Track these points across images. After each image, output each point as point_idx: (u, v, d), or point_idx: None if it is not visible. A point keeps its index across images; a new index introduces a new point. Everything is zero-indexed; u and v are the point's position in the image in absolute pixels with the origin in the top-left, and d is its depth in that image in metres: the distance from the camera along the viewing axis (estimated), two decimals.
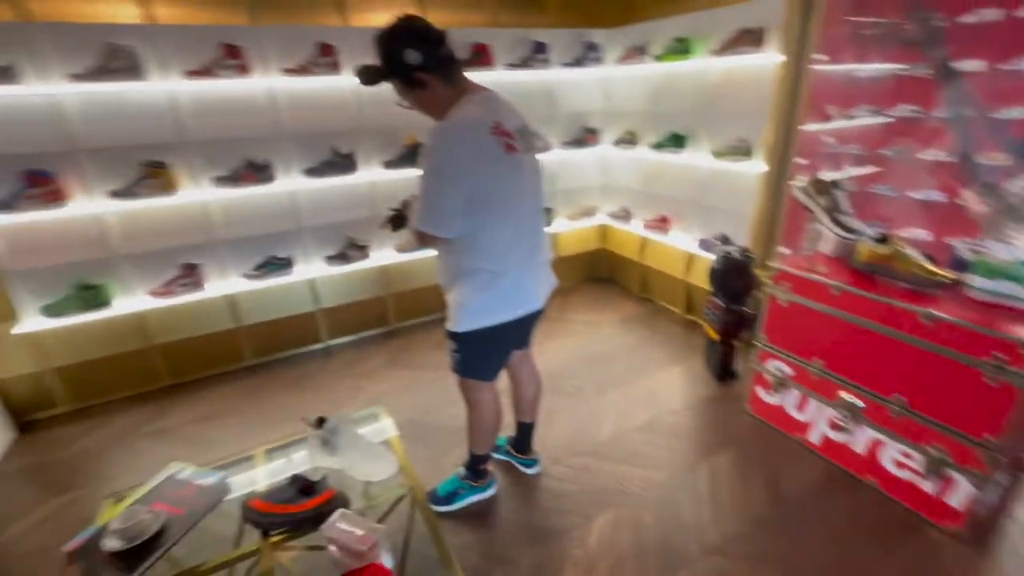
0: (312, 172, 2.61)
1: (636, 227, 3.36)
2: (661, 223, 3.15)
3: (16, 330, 2.23)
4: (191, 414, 2.45)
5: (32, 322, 2.26)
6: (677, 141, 2.90)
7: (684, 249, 3.01)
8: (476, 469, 1.80)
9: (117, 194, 2.24)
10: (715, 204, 2.84)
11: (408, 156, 2.79)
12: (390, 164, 2.77)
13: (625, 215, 3.44)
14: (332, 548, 1.11)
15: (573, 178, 3.54)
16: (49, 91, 2.08)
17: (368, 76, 1.34)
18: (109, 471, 2.10)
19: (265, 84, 2.43)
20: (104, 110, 2.21)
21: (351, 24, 2.59)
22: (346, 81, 2.58)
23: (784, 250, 2.61)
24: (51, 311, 2.27)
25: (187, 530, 1.22)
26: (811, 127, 2.29)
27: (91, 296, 2.32)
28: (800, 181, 2.04)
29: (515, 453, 1.98)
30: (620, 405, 2.38)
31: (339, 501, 1.27)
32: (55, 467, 2.14)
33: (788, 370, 2.06)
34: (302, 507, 1.24)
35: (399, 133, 2.81)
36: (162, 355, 2.62)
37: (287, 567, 1.29)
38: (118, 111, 2.23)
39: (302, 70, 2.44)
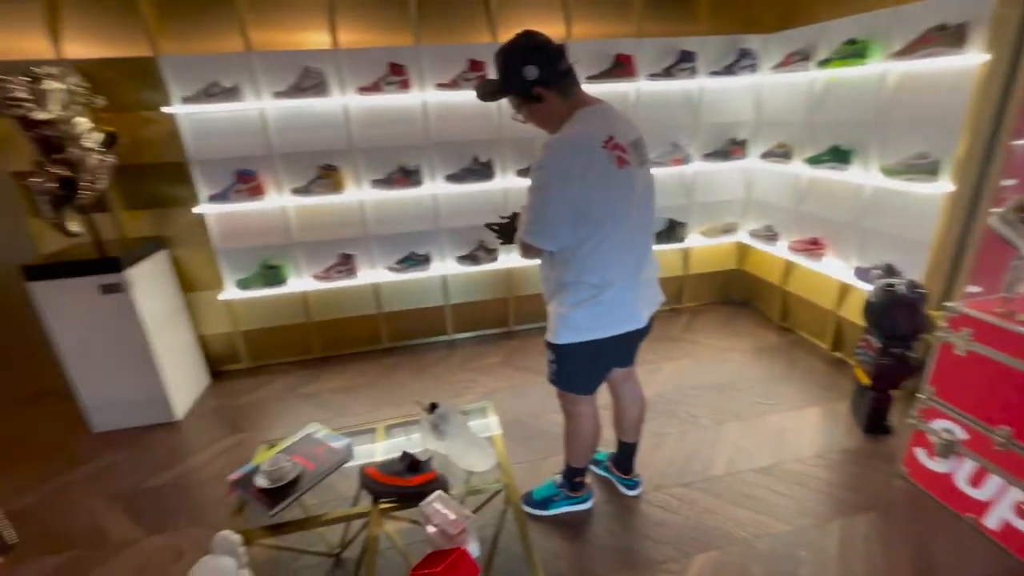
0: (453, 178, 2.83)
1: (781, 249, 3.05)
2: (812, 246, 2.81)
3: (220, 297, 2.78)
4: (334, 383, 2.82)
5: (229, 292, 2.80)
6: (840, 155, 2.57)
7: (837, 277, 2.65)
8: (572, 480, 1.79)
9: (297, 191, 2.68)
10: (880, 228, 2.46)
11: None
12: (524, 173, 2.89)
13: (769, 235, 3.14)
14: (427, 525, 1.21)
15: (712, 192, 3.33)
16: (259, 106, 2.55)
17: (486, 91, 1.40)
18: (268, 421, 2.51)
19: (420, 98, 2.69)
20: (295, 122, 2.65)
21: (500, 40, 2.75)
22: None
23: (972, 289, 2.17)
24: (243, 284, 2.78)
25: (316, 482, 1.41)
26: None
27: (272, 275, 2.79)
28: (1004, 208, 1.68)
29: (616, 471, 1.93)
30: (739, 441, 2.18)
31: (440, 483, 1.36)
32: (233, 411, 2.61)
33: (961, 433, 1.71)
34: (408, 482, 1.37)
35: (535, 143, 2.91)
36: (317, 330, 3.05)
37: (391, 534, 1.42)
38: (305, 122, 2.66)
39: (452, 84, 2.66)
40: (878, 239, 2.48)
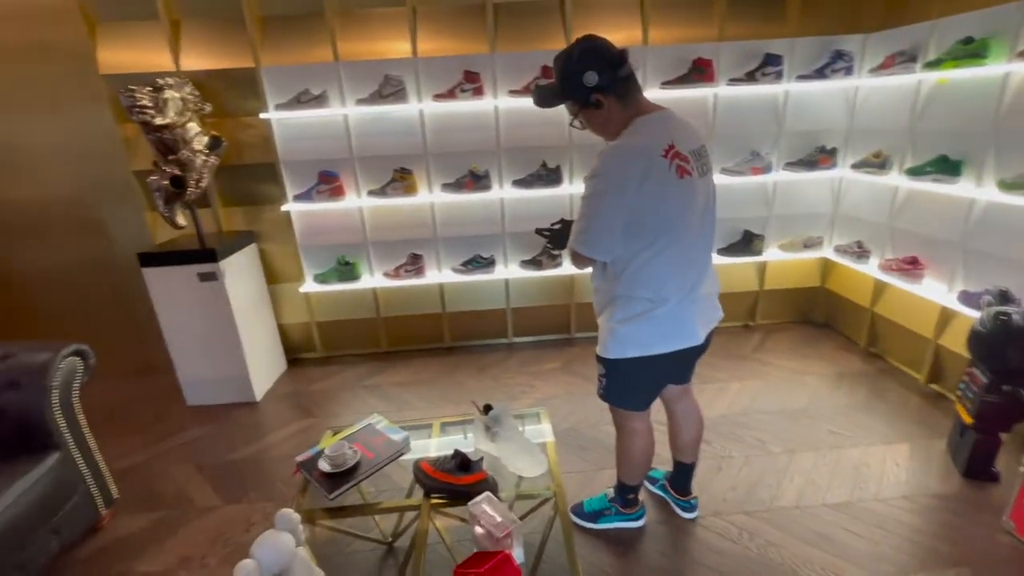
0: (521, 183, 2.86)
1: (872, 267, 2.79)
2: (909, 266, 2.55)
3: (301, 289, 2.99)
4: (397, 377, 2.93)
5: (308, 285, 3.00)
6: (947, 166, 2.32)
7: (938, 302, 2.39)
8: (625, 497, 1.74)
9: (373, 193, 2.82)
10: (992, 249, 2.18)
11: None
12: None
13: (859, 251, 2.89)
14: (475, 526, 1.23)
15: (795, 204, 3.12)
16: (343, 112, 2.72)
17: (543, 97, 1.38)
18: (336, 408, 2.65)
19: (492, 104, 2.75)
20: (374, 127, 2.80)
21: None
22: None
23: None
24: (320, 278, 2.97)
25: (373, 471, 1.47)
26: None
27: (347, 271, 2.96)
28: None
29: (672, 491, 1.86)
30: (812, 473, 2.02)
31: (489, 484, 1.38)
32: (304, 397, 2.79)
33: None
34: (458, 480, 1.39)
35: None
36: (385, 326, 3.19)
37: (440, 529, 1.45)
38: (383, 127, 2.80)
39: (525, 90, 2.69)
40: (989, 261, 2.21)
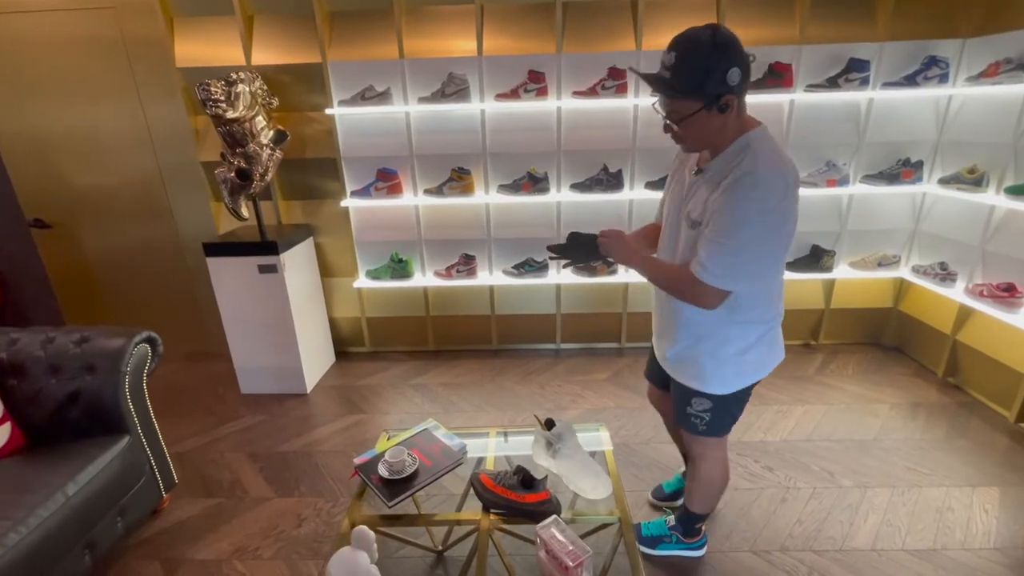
0: (579, 187, 2.79)
1: (957, 292, 2.58)
2: (1005, 293, 2.34)
3: (354, 284, 3.01)
4: (443, 378, 2.91)
5: (361, 281, 3.01)
6: None
7: None
8: (691, 527, 1.65)
9: (430, 192, 2.80)
10: None
11: None
12: (653, 185, 2.76)
13: (943, 274, 2.67)
14: (541, 551, 1.17)
15: (871, 219, 2.92)
16: (405, 109, 2.71)
17: (666, 88, 1.15)
18: (384, 406, 2.66)
19: (555, 105, 2.68)
20: (434, 125, 2.78)
21: (644, 49, 2.64)
22: (628, 102, 2.67)
23: None
24: (372, 274, 2.99)
25: (431, 480, 1.44)
26: None
27: (400, 268, 2.96)
28: None
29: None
30: (888, 512, 1.87)
31: (553, 506, 1.32)
32: (352, 391, 2.81)
33: None
34: (521, 498, 1.34)
35: (669, 155, 2.76)
36: (433, 325, 3.18)
37: (497, 544, 1.41)
38: (444, 126, 2.78)
39: (590, 92, 2.61)
40: None
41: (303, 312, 2.75)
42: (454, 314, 3.16)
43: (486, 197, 2.83)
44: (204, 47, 2.67)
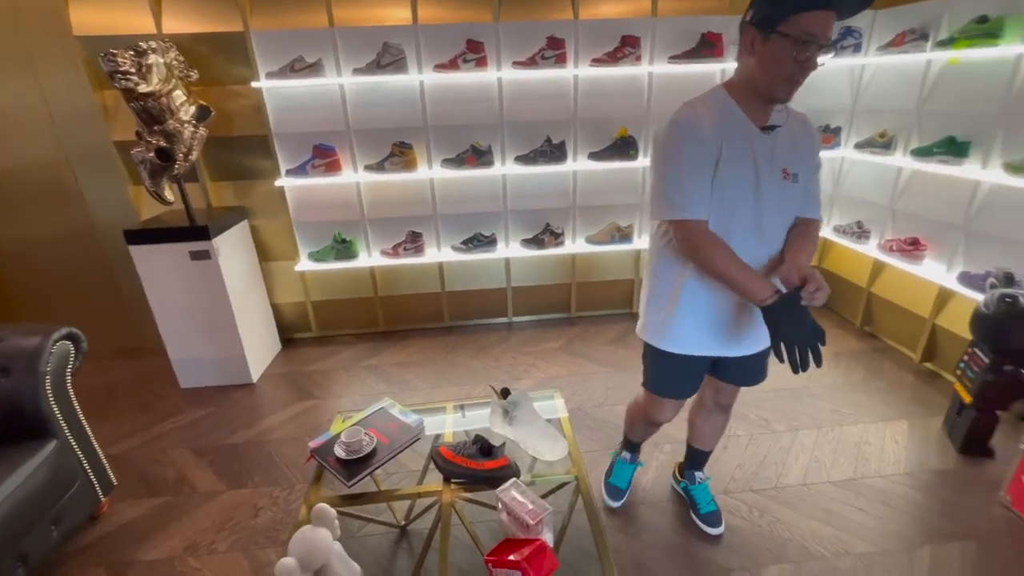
0: (523, 159, 2.79)
1: (871, 248, 2.82)
2: (910, 247, 2.58)
3: (296, 268, 2.89)
4: (396, 358, 2.89)
5: (303, 264, 2.90)
6: (955, 148, 2.32)
7: (937, 282, 2.42)
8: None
9: (371, 168, 2.71)
10: (996, 231, 2.21)
11: (617, 149, 2.78)
12: (596, 155, 2.80)
13: (859, 232, 2.91)
14: (502, 511, 1.21)
15: None
16: (339, 82, 2.58)
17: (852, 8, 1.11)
18: (336, 390, 2.60)
19: (495, 76, 2.64)
20: (372, 98, 2.67)
21: (581, 17, 2.64)
22: (568, 73, 2.67)
23: None
24: (315, 257, 2.88)
25: (389, 457, 1.43)
26: None
27: (344, 249, 2.87)
28: None
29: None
30: (815, 451, 2.06)
31: (512, 470, 1.36)
32: (302, 377, 2.73)
33: None
34: (480, 465, 1.37)
35: (611, 125, 2.81)
36: (383, 305, 3.12)
37: (459, 513, 1.44)
38: (382, 99, 2.68)
39: (530, 62, 2.59)
40: (992, 243, 2.24)
41: (242, 299, 2.62)
42: (404, 293, 3.11)
43: (430, 172, 2.78)
44: (105, 13, 2.41)
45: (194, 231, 2.37)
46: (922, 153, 2.43)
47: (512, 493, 1.20)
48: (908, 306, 2.68)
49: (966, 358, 2.03)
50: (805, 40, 1.05)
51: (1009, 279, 1.97)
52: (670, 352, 1.41)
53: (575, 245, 3.03)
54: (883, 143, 2.68)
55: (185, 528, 1.81)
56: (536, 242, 2.98)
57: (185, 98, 2.35)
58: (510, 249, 3.01)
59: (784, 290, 1.18)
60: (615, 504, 1.83)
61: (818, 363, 1.15)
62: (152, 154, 2.28)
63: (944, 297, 2.47)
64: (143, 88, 2.13)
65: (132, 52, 2.12)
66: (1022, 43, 2.02)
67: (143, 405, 2.53)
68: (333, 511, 1.05)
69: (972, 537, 1.66)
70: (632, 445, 1.83)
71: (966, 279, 2.28)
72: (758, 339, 1.40)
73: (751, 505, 1.81)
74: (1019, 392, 1.89)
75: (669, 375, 1.49)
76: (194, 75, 2.39)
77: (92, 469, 1.75)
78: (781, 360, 1.20)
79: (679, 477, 1.87)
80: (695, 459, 1.78)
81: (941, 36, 2.33)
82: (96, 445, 1.79)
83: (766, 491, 1.87)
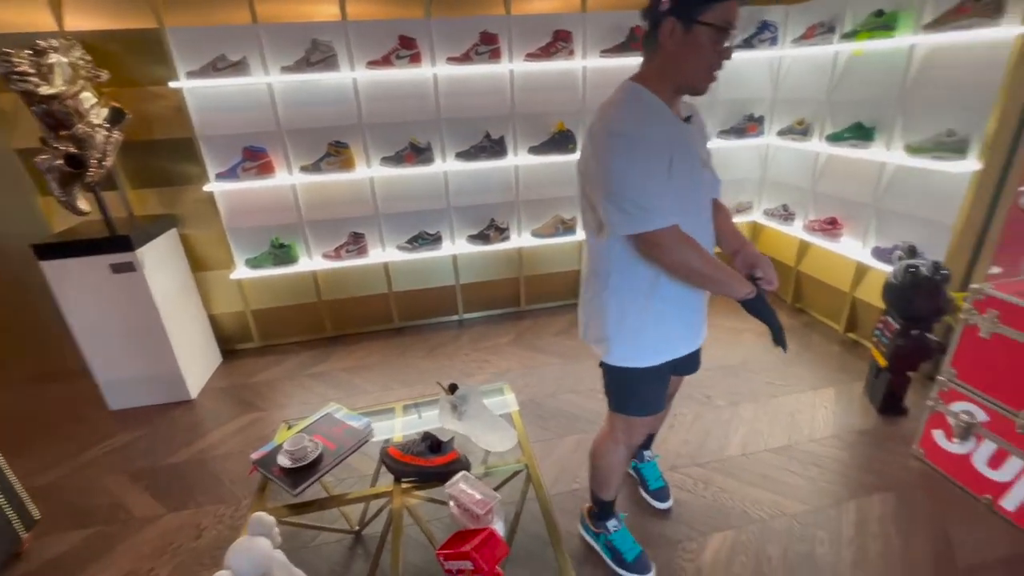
0: (464, 155, 2.78)
1: (797, 229, 3.00)
2: (829, 226, 2.76)
3: (232, 276, 2.76)
4: (345, 363, 2.82)
5: (240, 271, 2.78)
6: (862, 133, 2.51)
7: (854, 258, 2.61)
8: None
9: (306, 169, 2.63)
10: (901, 208, 2.41)
11: (555, 143, 2.82)
12: (536, 150, 2.84)
13: (785, 214, 3.09)
14: (452, 505, 1.21)
15: (728, 170, 3.26)
16: (267, 80, 2.49)
17: None
18: (282, 400, 2.52)
19: (431, 72, 2.62)
20: (303, 97, 2.59)
21: (514, 13, 2.66)
22: (503, 68, 2.68)
23: (994, 270, 2.15)
24: (252, 263, 2.76)
25: (337, 462, 1.41)
26: None
27: (282, 254, 2.77)
28: None
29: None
30: (754, 422, 2.18)
31: (462, 463, 1.36)
32: (245, 390, 2.62)
33: (982, 415, 1.70)
34: (430, 462, 1.37)
35: (549, 120, 2.85)
36: (328, 310, 3.04)
37: (413, 512, 1.43)
38: (314, 97, 2.60)
39: (464, 58, 2.59)
40: (898, 219, 2.44)
41: (175, 312, 2.48)
42: (350, 296, 3.04)
43: (369, 171, 2.72)
44: None
45: (115, 242, 2.22)
46: (835, 138, 2.61)
47: (461, 486, 1.21)
48: (831, 281, 2.88)
49: (880, 326, 2.21)
50: (726, 29, 1.05)
51: (912, 251, 2.15)
52: (647, 367, 1.32)
53: (521, 239, 3.06)
54: (801, 130, 2.86)
55: (121, 558, 1.70)
56: (482, 238, 2.98)
57: (95, 100, 2.20)
58: (456, 246, 3.00)
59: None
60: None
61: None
62: (60, 161, 2.12)
63: (861, 271, 2.67)
64: (45, 90, 1.98)
65: (30, 52, 1.97)
66: (913, 34, 2.20)
67: (68, 432, 2.35)
68: (271, 519, 1.02)
69: (891, 488, 1.81)
70: (607, 507, 1.57)
71: (878, 253, 2.47)
72: (704, 328, 1.44)
73: (696, 478, 1.90)
74: (926, 354, 2.07)
75: (649, 391, 1.38)
76: (104, 76, 2.23)
77: (9, 504, 1.61)
78: (781, 344, 1.27)
79: None
80: (643, 442, 1.84)
81: (846, 29, 2.50)
82: (12, 479, 1.65)
83: (710, 463, 1.97)
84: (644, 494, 1.82)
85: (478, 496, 1.16)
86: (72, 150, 2.13)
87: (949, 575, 1.51)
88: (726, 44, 1.08)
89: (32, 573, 1.66)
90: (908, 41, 2.24)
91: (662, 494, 1.79)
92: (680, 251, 1.13)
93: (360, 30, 2.51)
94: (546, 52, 2.65)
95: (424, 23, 2.55)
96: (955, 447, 1.80)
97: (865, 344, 2.69)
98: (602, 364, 1.38)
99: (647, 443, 1.86)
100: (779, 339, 1.26)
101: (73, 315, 2.28)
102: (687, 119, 1.20)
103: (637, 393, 1.38)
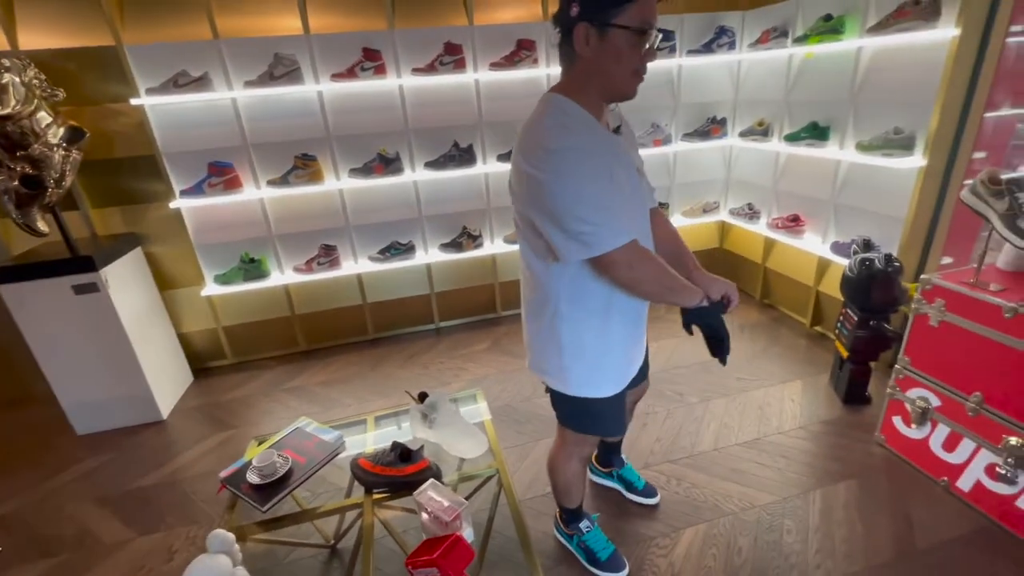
0: (433, 165, 2.80)
1: (761, 227, 3.09)
2: (792, 223, 2.85)
3: (202, 293, 2.72)
4: (320, 376, 2.80)
5: (209, 288, 2.74)
6: (817, 132, 2.60)
7: (816, 253, 2.70)
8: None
9: (274, 183, 2.62)
10: (857, 204, 2.50)
11: None
12: (505, 157, 2.87)
13: (750, 213, 3.18)
14: (423, 514, 1.22)
15: (693, 172, 3.35)
16: (231, 95, 2.47)
17: None
18: (256, 417, 2.49)
19: (396, 83, 2.64)
20: (268, 111, 2.58)
21: (477, 23, 2.70)
22: (468, 77, 2.71)
23: (945, 260, 2.24)
24: (222, 279, 2.73)
25: (307, 476, 1.40)
26: (998, 113, 1.92)
27: (253, 268, 2.74)
28: (974, 180, 1.72)
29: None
30: (725, 417, 2.23)
31: (432, 472, 1.37)
32: (218, 408, 2.58)
33: (935, 400, 1.77)
34: (400, 472, 1.37)
35: (517, 127, 2.88)
36: (301, 324, 3.02)
37: (386, 523, 1.43)
38: (279, 111, 2.59)
39: (429, 68, 2.61)
40: (854, 214, 2.52)
41: (142, 332, 2.44)
42: (323, 309, 3.02)
43: (338, 183, 2.72)
44: None
45: (76, 262, 2.18)
46: (792, 138, 2.70)
47: (429, 494, 1.21)
48: (796, 276, 2.96)
49: (841, 318, 2.28)
50: (645, 29, 0.98)
51: (867, 245, 2.24)
52: (607, 396, 1.29)
53: (494, 246, 3.08)
54: (761, 131, 2.95)
55: None
56: (455, 246, 3.00)
57: (51, 119, 2.16)
58: (429, 255, 3.01)
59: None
60: (623, 574, 1.54)
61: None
62: (16, 183, 2.08)
63: (823, 266, 2.75)
64: None
65: None
66: (859, 37, 2.30)
67: (31, 460, 2.28)
68: (231, 536, 1.01)
69: (855, 475, 1.87)
70: (575, 513, 1.58)
71: (837, 248, 2.56)
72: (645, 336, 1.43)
73: (669, 475, 1.93)
74: (884, 344, 2.15)
75: (612, 415, 1.35)
76: (60, 94, 2.19)
77: None
78: (719, 356, 1.26)
79: (601, 469, 1.89)
80: (613, 448, 1.84)
81: (798, 33, 2.60)
82: None
83: (682, 460, 2.01)
84: (633, 496, 1.81)
85: (446, 503, 1.17)
86: (28, 171, 2.09)
87: (909, 556, 1.56)
88: (647, 46, 1.00)
89: None
90: (855, 44, 2.34)
91: (649, 491, 1.80)
92: (640, 267, 1.08)
93: (323, 43, 2.51)
94: (510, 61, 2.69)
95: (387, 34, 2.56)
96: (913, 432, 1.87)
97: (831, 337, 2.78)
98: (552, 392, 1.34)
99: (617, 449, 1.85)
100: (723, 349, 1.25)
101: (35, 339, 2.23)
102: (616, 129, 1.17)
103: (599, 418, 1.34)
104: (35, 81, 2.09)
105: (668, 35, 2.88)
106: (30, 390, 2.62)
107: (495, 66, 2.69)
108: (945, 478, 1.77)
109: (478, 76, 2.71)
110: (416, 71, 2.61)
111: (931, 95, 2.06)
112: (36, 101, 2.08)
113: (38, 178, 2.11)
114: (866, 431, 2.08)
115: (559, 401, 1.36)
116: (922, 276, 1.76)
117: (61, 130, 2.19)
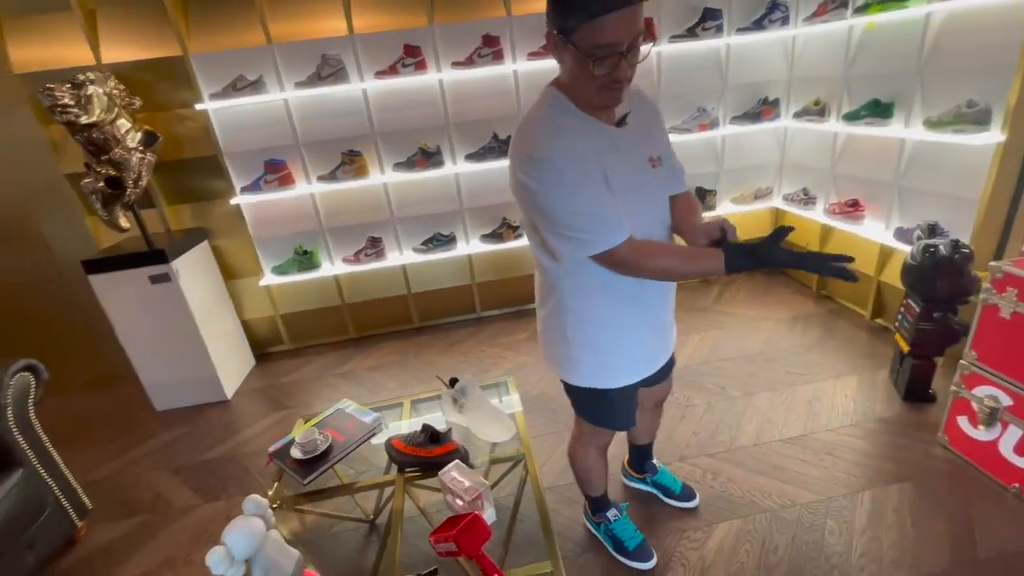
0: (473, 157, 2.84)
1: (818, 212, 2.91)
2: (851, 208, 2.67)
3: (261, 283, 2.93)
4: (367, 362, 2.94)
5: (268, 278, 2.94)
6: (880, 109, 2.41)
7: (878, 240, 2.51)
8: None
9: (323, 178, 2.76)
10: (924, 186, 2.30)
11: None
12: None
13: (806, 198, 3.00)
14: (447, 494, 1.28)
15: (743, 157, 3.20)
16: (283, 96, 2.63)
17: None
18: (309, 398, 2.66)
19: (436, 78, 2.70)
20: (317, 110, 2.72)
21: (515, 13, 2.70)
22: (507, 68, 2.72)
23: None
24: (278, 270, 2.92)
25: (345, 453, 1.50)
26: None
27: (306, 260, 2.91)
28: None
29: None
30: (769, 412, 2.15)
31: (459, 453, 1.42)
32: (276, 390, 2.78)
33: (1006, 400, 1.62)
34: (428, 453, 1.43)
35: None
36: (351, 312, 3.17)
37: (417, 501, 1.50)
38: (326, 110, 2.72)
39: (468, 62, 2.65)
40: (921, 198, 2.33)
41: (210, 318, 2.67)
42: (370, 298, 3.16)
43: (382, 177, 2.83)
44: (43, 49, 2.44)
45: (151, 255, 2.41)
46: (852, 117, 2.52)
47: (452, 474, 1.26)
48: (855, 266, 2.76)
49: (902, 309, 2.12)
50: (598, 56, 0.90)
51: (933, 230, 2.06)
52: (619, 387, 1.28)
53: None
54: (817, 110, 2.77)
55: (162, 544, 1.86)
56: (495, 236, 3.04)
57: (130, 126, 2.38)
58: (471, 246, 3.07)
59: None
60: (651, 565, 1.55)
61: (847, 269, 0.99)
62: (102, 184, 2.32)
63: (885, 254, 2.56)
64: (84, 120, 2.17)
65: (70, 85, 2.16)
66: (928, 3, 2.10)
67: (118, 432, 2.56)
68: (265, 501, 1.11)
69: (911, 478, 1.75)
70: (599, 501, 1.59)
71: (900, 234, 2.37)
72: (672, 338, 1.39)
73: (705, 468, 1.89)
74: (951, 338, 1.98)
75: (620, 408, 1.36)
76: (137, 102, 2.42)
77: (64, 495, 1.79)
78: (838, 274, 1.00)
79: (634, 474, 1.84)
80: (645, 452, 1.77)
81: (858, 3, 2.41)
82: (67, 472, 1.83)
83: (719, 454, 1.95)
84: (671, 501, 1.75)
85: (467, 484, 1.21)
86: (112, 173, 2.33)
87: (968, 566, 1.45)
88: (605, 69, 0.92)
89: (86, 557, 1.84)
90: (924, 10, 2.14)
91: (687, 493, 1.74)
92: (643, 260, 1.05)
93: (366, 42, 2.61)
94: (548, 50, 2.67)
95: (427, 30, 2.62)
96: (980, 434, 1.72)
97: (892, 329, 2.58)
98: (565, 382, 1.35)
99: (648, 453, 1.78)
100: (832, 270, 0.99)
101: (119, 324, 2.49)
102: (621, 120, 1.09)
103: (609, 409, 1.35)
104: (115, 91, 2.32)
105: (715, 14, 2.75)
106: (117, 370, 2.92)
107: (533, 56, 2.69)
108: (1016, 484, 1.62)
109: (516, 67, 2.72)
110: (455, 65, 2.65)
111: (1012, 59, 1.85)
112: (116, 109, 2.31)
113: (119, 179, 2.34)
114: (928, 431, 1.93)
115: (570, 392, 1.38)
116: (991, 263, 1.61)
117: (138, 135, 2.41)
